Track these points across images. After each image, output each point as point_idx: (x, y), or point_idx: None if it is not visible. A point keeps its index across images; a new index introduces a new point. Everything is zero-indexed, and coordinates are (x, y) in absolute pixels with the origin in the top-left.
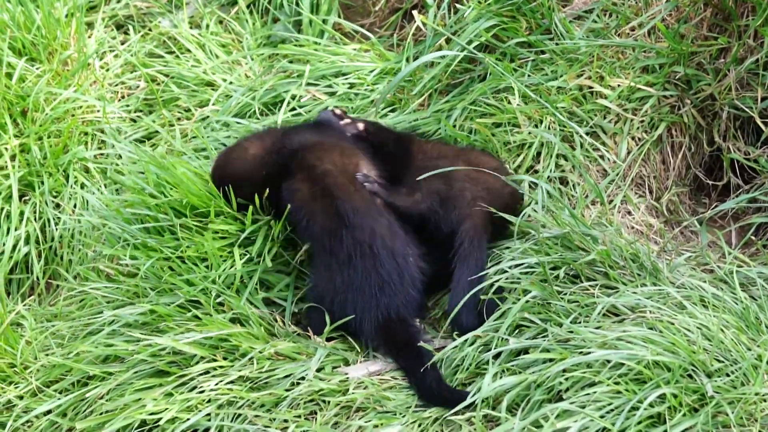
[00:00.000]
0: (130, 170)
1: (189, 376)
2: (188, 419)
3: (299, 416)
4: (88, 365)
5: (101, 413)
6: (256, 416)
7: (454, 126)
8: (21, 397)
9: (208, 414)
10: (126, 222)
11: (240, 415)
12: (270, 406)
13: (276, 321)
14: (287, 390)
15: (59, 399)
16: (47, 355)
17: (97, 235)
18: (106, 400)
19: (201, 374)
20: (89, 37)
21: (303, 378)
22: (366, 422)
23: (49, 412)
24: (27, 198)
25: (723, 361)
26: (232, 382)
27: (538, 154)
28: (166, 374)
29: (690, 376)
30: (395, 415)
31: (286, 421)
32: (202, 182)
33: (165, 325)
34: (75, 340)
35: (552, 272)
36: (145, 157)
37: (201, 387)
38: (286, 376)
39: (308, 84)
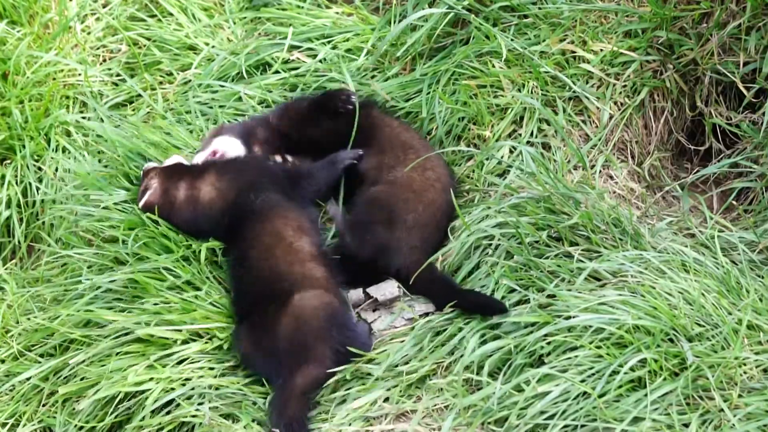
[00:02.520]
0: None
1: (171, 348)
2: (172, 389)
3: None
4: (70, 329)
5: (83, 379)
6: (236, 391)
7: (447, 92)
8: (2, 361)
9: (191, 387)
10: (106, 186)
11: (218, 387)
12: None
13: None
14: None
15: (41, 364)
16: (29, 318)
17: (78, 200)
18: (88, 365)
19: (183, 343)
20: None
21: None
22: (347, 390)
23: (29, 379)
24: (8, 162)
25: (704, 326)
26: (215, 349)
27: (521, 118)
28: (148, 342)
29: (671, 340)
30: (376, 380)
31: (266, 394)
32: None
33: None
34: (56, 304)
35: (535, 234)
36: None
37: (182, 356)
38: None
39: (291, 47)
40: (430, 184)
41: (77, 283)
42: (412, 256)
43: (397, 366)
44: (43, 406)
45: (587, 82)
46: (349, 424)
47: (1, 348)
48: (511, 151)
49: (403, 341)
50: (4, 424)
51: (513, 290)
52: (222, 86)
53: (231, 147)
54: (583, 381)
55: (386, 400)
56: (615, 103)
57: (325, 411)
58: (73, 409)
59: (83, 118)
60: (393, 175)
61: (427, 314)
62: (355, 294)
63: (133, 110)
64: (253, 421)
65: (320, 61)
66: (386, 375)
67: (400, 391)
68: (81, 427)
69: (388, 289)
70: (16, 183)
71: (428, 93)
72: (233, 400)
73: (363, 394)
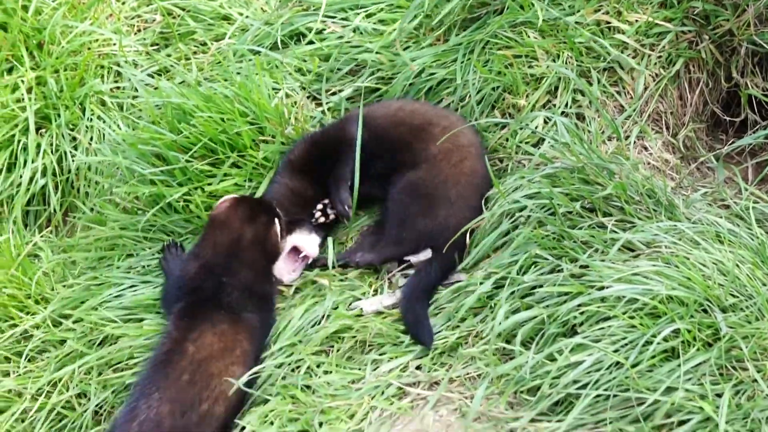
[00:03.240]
0: (145, 107)
1: None
2: None
3: (315, 352)
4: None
5: (117, 345)
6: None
7: (482, 62)
8: (38, 327)
9: None
10: (141, 156)
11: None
12: (286, 346)
13: None
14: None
15: (76, 331)
16: (64, 286)
17: (112, 169)
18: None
19: None
20: None
21: (319, 319)
22: (380, 355)
23: (64, 341)
24: (44, 130)
25: (737, 297)
26: None
27: (555, 88)
28: None
29: (704, 311)
30: (408, 347)
31: (301, 359)
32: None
33: None
34: (91, 272)
35: (569, 205)
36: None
37: None
38: (303, 314)
39: (326, 17)
40: (466, 151)
41: (111, 250)
42: (461, 227)
43: None
44: (79, 373)
45: (622, 53)
46: (382, 393)
47: (38, 315)
48: (545, 122)
49: (433, 311)
50: (39, 391)
51: (546, 260)
52: (257, 53)
53: (310, 243)
54: (616, 351)
55: (418, 368)
56: (650, 73)
57: (358, 378)
58: (107, 376)
59: (118, 87)
60: (427, 153)
61: (457, 282)
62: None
63: (168, 80)
64: None
65: (353, 30)
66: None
67: (432, 359)
68: (117, 393)
69: (423, 254)
70: (52, 152)
71: (462, 63)
72: None
73: (395, 358)
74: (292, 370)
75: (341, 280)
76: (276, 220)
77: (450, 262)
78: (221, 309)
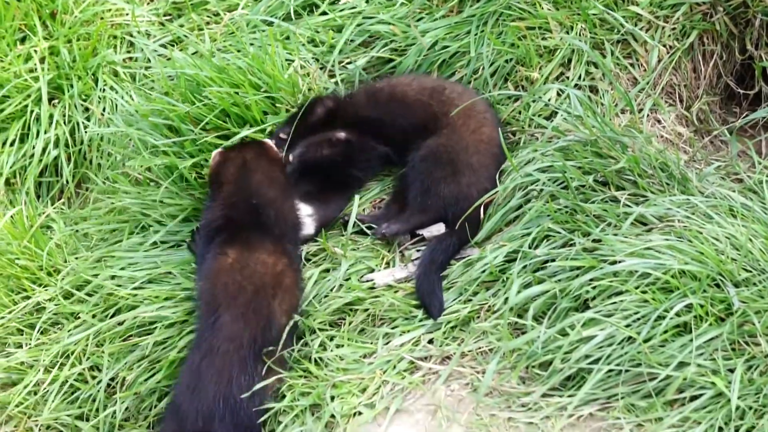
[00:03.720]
0: (158, 77)
1: None
2: None
3: (326, 325)
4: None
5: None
6: None
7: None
8: (51, 300)
9: None
10: (153, 128)
11: None
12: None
13: None
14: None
15: (89, 303)
16: (77, 258)
17: (125, 141)
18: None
19: None
20: None
21: (331, 289)
22: (392, 329)
23: (78, 316)
24: (56, 101)
25: (751, 271)
26: None
27: (569, 61)
28: None
29: (717, 285)
30: (420, 321)
31: (313, 332)
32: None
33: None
34: (103, 243)
35: (582, 178)
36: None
37: None
38: (314, 283)
39: None
40: (483, 118)
41: (124, 223)
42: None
43: None
44: (91, 345)
45: (636, 25)
46: (394, 367)
47: (50, 287)
48: (558, 95)
49: (445, 285)
50: (53, 363)
51: (558, 234)
52: (270, 24)
53: None
54: (628, 326)
55: (430, 342)
56: (664, 46)
57: (369, 352)
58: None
59: (130, 58)
60: (446, 119)
61: (470, 258)
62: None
63: (180, 50)
64: None
65: (366, 1)
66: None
67: (444, 333)
68: (131, 367)
69: (435, 227)
70: (64, 123)
71: (476, 35)
72: None
73: (407, 332)
74: (306, 344)
75: (353, 250)
76: (265, 141)
77: (467, 235)
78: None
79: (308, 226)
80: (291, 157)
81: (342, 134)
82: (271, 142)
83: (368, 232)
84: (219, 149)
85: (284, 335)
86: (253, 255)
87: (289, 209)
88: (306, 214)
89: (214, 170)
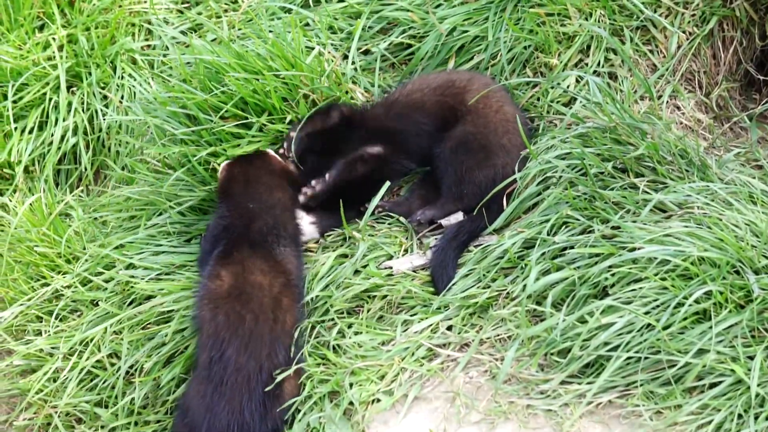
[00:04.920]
0: (176, 65)
1: None
2: None
3: (344, 312)
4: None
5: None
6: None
7: (513, 20)
8: (69, 287)
9: None
10: (172, 115)
11: None
12: (316, 301)
13: None
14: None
15: (107, 290)
16: (95, 245)
17: (143, 128)
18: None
19: None
20: None
21: (348, 276)
22: (411, 316)
23: (97, 303)
24: (75, 89)
25: None
26: None
27: (588, 47)
28: None
29: (737, 272)
30: (438, 308)
31: (332, 320)
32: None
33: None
34: (122, 231)
35: (600, 165)
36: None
37: None
38: (330, 270)
39: None
40: (501, 97)
41: (142, 210)
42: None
43: (457, 294)
44: (110, 333)
45: (655, 11)
46: (412, 354)
47: (69, 274)
48: (577, 81)
49: (464, 271)
50: (72, 350)
51: (577, 221)
52: (288, 11)
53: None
54: (647, 313)
55: (449, 329)
56: (683, 32)
57: (388, 339)
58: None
59: (148, 46)
60: (468, 107)
61: (488, 245)
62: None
63: (199, 38)
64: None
65: None
66: (446, 300)
67: (462, 319)
68: (150, 355)
69: (454, 216)
70: (83, 110)
71: (494, 21)
72: None
73: (425, 319)
74: (324, 329)
75: (371, 236)
76: (267, 151)
77: (496, 215)
78: (256, 245)
79: (312, 233)
80: (314, 183)
81: (375, 149)
82: (273, 152)
83: (395, 217)
84: (226, 162)
85: (292, 350)
86: (248, 278)
87: (289, 218)
88: (309, 222)
89: (220, 183)
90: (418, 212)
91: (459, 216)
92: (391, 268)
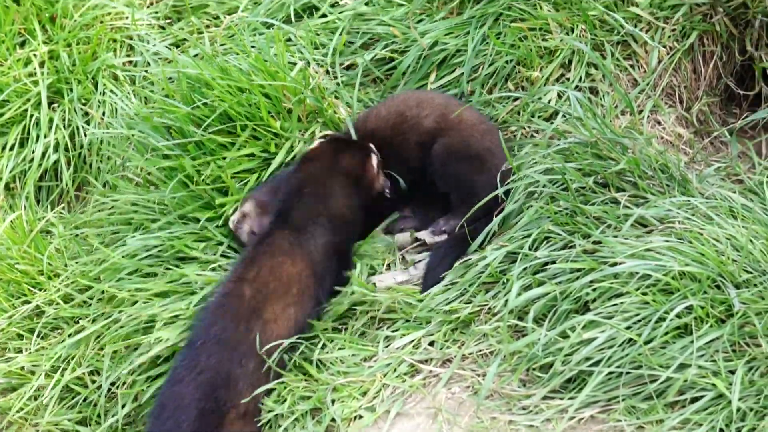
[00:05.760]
0: (158, 79)
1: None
2: None
3: (327, 329)
4: (115, 283)
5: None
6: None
7: (495, 34)
8: (50, 303)
9: None
10: (154, 130)
11: None
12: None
13: None
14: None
15: (90, 306)
16: (77, 263)
17: (125, 144)
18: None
19: None
20: None
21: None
22: (393, 332)
23: (78, 321)
24: (56, 105)
25: (751, 272)
26: None
27: (569, 62)
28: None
29: (718, 287)
30: (420, 324)
31: (315, 336)
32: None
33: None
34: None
35: (581, 180)
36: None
37: None
38: None
39: None
40: (478, 114)
41: (126, 224)
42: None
43: (439, 309)
44: (92, 350)
45: (636, 26)
46: (395, 370)
47: (49, 291)
48: (559, 96)
49: (446, 285)
50: (54, 367)
51: (558, 235)
52: (270, 26)
53: None
54: (628, 328)
55: (431, 344)
56: (664, 47)
57: (370, 355)
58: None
59: (130, 62)
60: (447, 122)
61: (469, 258)
62: (402, 237)
63: (182, 53)
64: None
65: (366, 3)
66: (428, 316)
67: (444, 335)
68: (132, 372)
69: (438, 234)
70: (64, 126)
71: (475, 36)
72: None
73: (407, 334)
74: (311, 345)
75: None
76: (372, 155)
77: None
78: (286, 229)
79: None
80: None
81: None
82: (374, 161)
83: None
84: (330, 134)
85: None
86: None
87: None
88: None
89: (308, 152)
90: (441, 222)
91: (444, 235)
92: (374, 284)
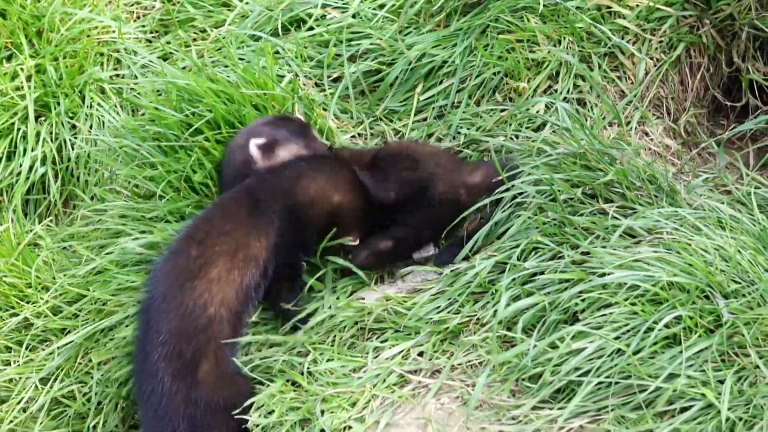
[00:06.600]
0: (146, 91)
1: None
2: None
3: (315, 342)
4: (103, 294)
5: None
6: (274, 345)
7: (482, 45)
8: (38, 316)
9: None
10: (142, 140)
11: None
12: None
13: None
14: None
15: (77, 319)
16: (65, 275)
17: (113, 156)
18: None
19: None
20: None
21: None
22: (382, 342)
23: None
24: (43, 119)
25: (740, 283)
26: None
27: (557, 74)
28: None
29: (706, 297)
30: (409, 334)
31: (303, 346)
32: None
33: None
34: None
35: (570, 191)
36: (169, 73)
37: None
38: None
39: (324, 5)
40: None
41: (114, 237)
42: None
43: (428, 320)
44: (79, 363)
45: (623, 38)
46: (384, 381)
47: (37, 303)
48: (547, 108)
49: (434, 295)
50: (42, 380)
51: (547, 246)
52: (257, 39)
53: None
54: (617, 338)
55: (420, 354)
56: (651, 58)
57: (359, 366)
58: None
59: (117, 75)
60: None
61: (458, 269)
62: None
63: (170, 66)
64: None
65: (353, 16)
66: (417, 326)
67: (434, 345)
68: (121, 384)
69: (425, 249)
70: (51, 140)
71: (463, 48)
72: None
73: (396, 344)
74: (298, 354)
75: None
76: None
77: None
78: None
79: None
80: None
81: None
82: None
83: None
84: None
85: None
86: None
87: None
88: None
89: None
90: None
91: (430, 249)
92: (363, 299)
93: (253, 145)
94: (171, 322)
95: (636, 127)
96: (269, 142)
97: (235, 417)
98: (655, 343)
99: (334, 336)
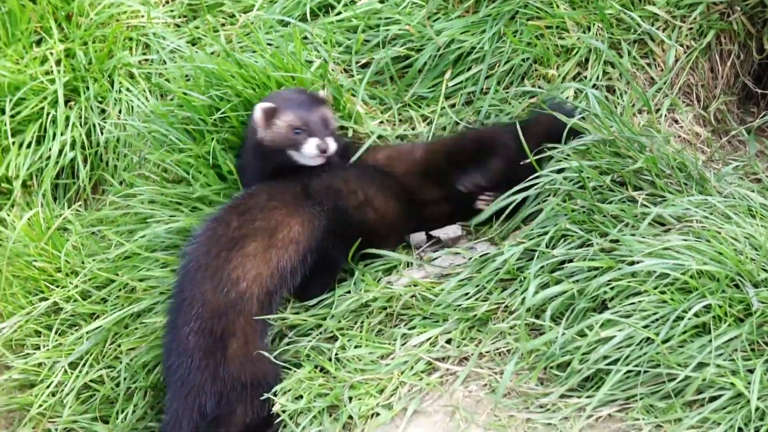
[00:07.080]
0: (174, 76)
1: None
2: None
3: (343, 328)
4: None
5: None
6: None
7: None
8: (67, 300)
9: None
10: (170, 125)
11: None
12: (318, 321)
13: None
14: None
15: (107, 304)
16: (94, 260)
17: (142, 141)
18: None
19: None
20: None
21: (348, 292)
22: (410, 329)
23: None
24: (72, 103)
25: None
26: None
27: (586, 60)
28: None
29: (736, 285)
30: (437, 321)
31: (331, 333)
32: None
33: None
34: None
35: (599, 178)
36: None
37: None
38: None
39: None
40: None
41: (143, 222)
42: None
43: (456, 306)
44: (108, 348)
45: (653, 25)
46: (412, 368)
47: (66, 288)
48: (576, 95)
49: (462, 281)
50: (72, 364)
51: (575, 234)
52: (286, 24)
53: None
54: (646, 326)
55: (448, 342)
56: (681, 45)
57: (387, 353)
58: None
59: (146, 60)
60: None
61: (487, 254)
62: (417, 236)
63: (198, 51)
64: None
65: (381, 1)
66: (445, 313)
67: (461, 332)
68: (149, 370)
69: (452, 229)
70: (81, 125)
71: (491, 34)
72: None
73: (424, 332)
74: (323, 342)
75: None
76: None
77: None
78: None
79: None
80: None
81: None
82: None
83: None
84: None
85: None
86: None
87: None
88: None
89: None
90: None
91: (457, 230)
92: (391, 284)
93: (259, 109)
94: (205, 295)
95: (666, 115)
96: (271, 109)
97: (262, 399)
98: (685, 332)
99: (362, 322)
